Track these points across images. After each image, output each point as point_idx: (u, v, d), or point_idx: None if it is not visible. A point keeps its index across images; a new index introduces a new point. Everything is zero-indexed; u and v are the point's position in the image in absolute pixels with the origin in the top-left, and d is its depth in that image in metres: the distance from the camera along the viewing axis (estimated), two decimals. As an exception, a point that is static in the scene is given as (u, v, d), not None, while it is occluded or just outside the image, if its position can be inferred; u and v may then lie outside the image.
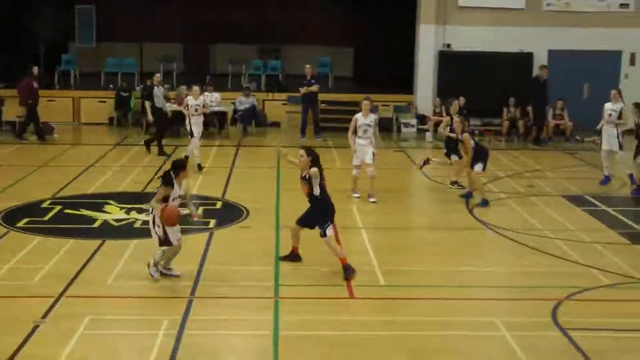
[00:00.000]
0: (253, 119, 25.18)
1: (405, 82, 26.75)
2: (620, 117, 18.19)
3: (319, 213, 11.73)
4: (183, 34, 30.44)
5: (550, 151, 23.18)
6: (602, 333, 9.79)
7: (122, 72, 27.89)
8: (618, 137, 18.17)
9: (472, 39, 25.57)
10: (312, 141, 23.48)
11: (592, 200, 16.83)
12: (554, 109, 24.71)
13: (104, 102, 26.28)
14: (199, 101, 18.96)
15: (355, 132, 15.88)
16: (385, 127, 24.73)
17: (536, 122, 24.44)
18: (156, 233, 11.13)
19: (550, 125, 24.64)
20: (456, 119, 16.51)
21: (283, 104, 26.56)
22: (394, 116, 25.35)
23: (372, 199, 15.87)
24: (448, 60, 25.73)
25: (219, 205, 15.94)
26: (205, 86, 24.35)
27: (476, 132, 24.69)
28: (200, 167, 18.77)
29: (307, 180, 11.70)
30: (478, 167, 15.95)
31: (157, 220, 11.05)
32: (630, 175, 17.73)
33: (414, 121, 25.45)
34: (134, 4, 29.81)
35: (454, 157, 17.45)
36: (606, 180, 18.35)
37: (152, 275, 11.25)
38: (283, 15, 31.82)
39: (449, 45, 25.84)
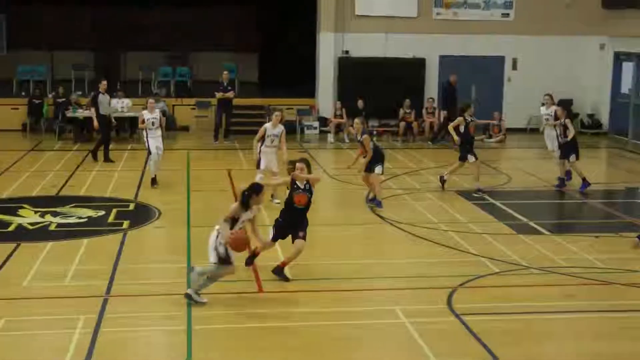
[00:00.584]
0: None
1: (307, 87, 26.80)
2: (556, 118, 18.14)
3: (306, 220, 11.36)
4: (93, 41, 29.87)
5: (442, 149, 23.52)
6: (492, 317, 10.00)
7: (34, 79, 27.16)
8: (558, 138, 18.06)
9: (368, 45, 25.78)
10: (221, 143, 23.37)
11: (481, 194, 17.13)
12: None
13: (17, 109, 25.55)
14: (155, 114, 17.21)
15: (262, 140, 15.53)
16: (289, 129, 24.80)
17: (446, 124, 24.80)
18: (216, 249, 10.21)
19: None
20: (357, 120, 16.09)
21: (192, 109, 26.31)
22: (297, 119, 25.38)
23: (276, 200, 15.44)
24: (347, 65, 25.89)
25: (132, 206, 15.70)
26: (116, 92, 23.99)
27: (374, 132, 25.02)
28: (153, 182, 17.20)
29: (307, 190, 11.29)
30: (378, 169, 15.62)
31: (221, 238, 10.16)
32: (567, 173, 17.93)
33: (316, 123, 25.55)
34: (45, 13, 29.10)
35: (471, 158, 17.21)
36: (568, 178, 18.15)
37: (200, 301, 10.24)
38: (191, 23, 31.59)
39: (347, 52, 26.00)
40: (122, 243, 12.98)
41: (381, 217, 15.00)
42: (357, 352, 9.22)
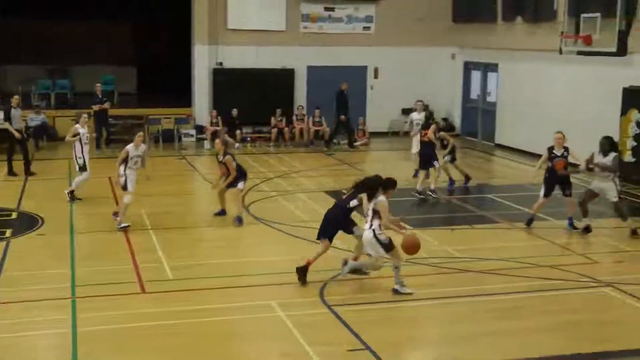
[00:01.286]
0: (44, 134, 24.18)
1: (184, 97, 26.52)
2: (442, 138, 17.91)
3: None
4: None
5: (311, 153, 23.72)
6: (361, 306, 10.16)
7: None
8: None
9: (241, 57, 25.73)
10: (102, 152, 22.84)
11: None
12: (314, 117, 25.31)
13: None
14: (140, 151, 15.55)
15: (125, 162, 14.03)
16: (167, 138, 24.53)
17: (349, 130, 24.97)
18: (378, 242, 10.59)
19: (311, 131, 25.23)
20: (217, 141, 14.70)
21: (72, 120, 25.49)
22: (175, 127, 25.09)
23: (122, 225, 13.86)
24: (221, 76, 25.74)
25: (14, 215, 15.14)
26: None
27: (248, 139, 25.00)
28: (72, 195, 16.21)
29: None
30: (241, 184, 14.62)
31: (378, 230, 10.57)
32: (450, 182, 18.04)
33: (193, 131, 25.31)
34: None
35: (436, 164, 16.94)
36: (450, 184, 18.12)
37: (408, 292, 10.60)
38: (70, 37, 30.76)
39: (221, 63, 25.86)
40: (5, 251, 12.51)
41: (256, 217, 14.99)
42: (239, 345, 9.21)
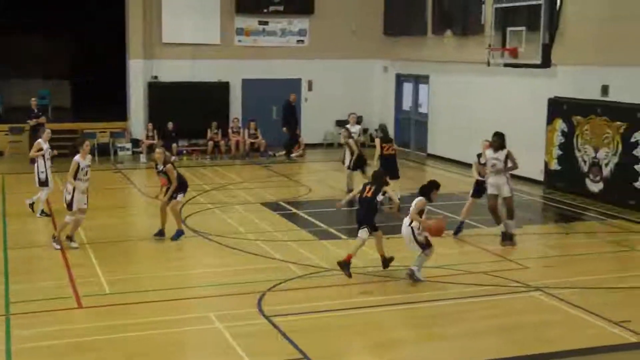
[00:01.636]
0: (-25, 149, 23.61)
1: (120, 110, 26.16)
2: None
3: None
4: None
5: (248, 165, 23.63)
6: (299, 316, 10.13)
7: None
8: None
9: (176, 71, 25.54)
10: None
11: (285, 205, 17.36)
12: (249, 129, 25.23)
13: None
14: (48, 145, 15.87)
15: (75, 175, 13.25)
16: (103, 151, 24.16)
17: (292, 140, 24.85)
18: (416, 240, 11.51)
19: (246, 143, 25.14)
20: (158, 150, 14.22)
21: (5, 135, 25.03)
22: (110, 141, 24.73)
23: (73, 244, 13.38)
24: (156, 90, 25.50)
25: (-54, 232, 14.72)
26: None
27: (184, 152, 24.78)
28: (32, 207, 16.01)
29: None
30: (180, 196, 14.14)
31: (417, 230, 11.50)
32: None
33: (129, 145, 24.98)
34: None
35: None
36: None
37: (420, 279, 11.52)
38: (4, 51, 30.08)
39: (156, 77, 25.62)
40: (-63, 269, 12.13)
41: (194, 230, 14.85)
42: (178, 358, 9.09)
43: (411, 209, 11.70)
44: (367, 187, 12.28)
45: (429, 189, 11.83)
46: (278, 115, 26.15)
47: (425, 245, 11.56)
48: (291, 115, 25.12)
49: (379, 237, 12.13)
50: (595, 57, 17.91)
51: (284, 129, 24.86)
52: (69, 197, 13.30)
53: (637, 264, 13.24)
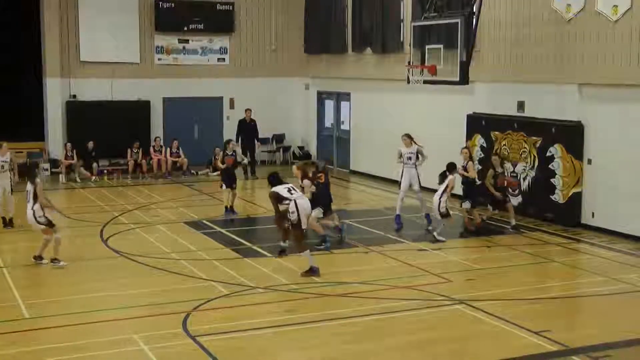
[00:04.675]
0: None
1: (37, 130, 25.54)
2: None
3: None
4: None
5: (170, 184, 23.38)
6: (225, 335, 10.04)
7: None
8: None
9: (95, 89, 25.12)
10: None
11: (208, 223, 17.22)
12: (171, 147, 24.99)
13: None
14: (6, 157, 16.57)
15: None
16: (21, 172, 23.44)
17: (252, 157, 24.56)
18: (439, 210, 15.32)
19: (168, 162, 24.87)
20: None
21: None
22: (27, 161, 24.09)
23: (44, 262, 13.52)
24: (75, 109, 25.02)
25: None
26: None
27: (105, 171, 24.37)
28: (5, 222, 16.25)
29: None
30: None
31: (443, 203, 15.37)
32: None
33: (47, 165, 24.42)
34: None
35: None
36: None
37: (441, 240, 15.13)
38: None
39: (74, 96, 25.15)
40: None
41: (115, 250, 14.59)
42: (99, 382, 8.89)
43: (443, 186, 15.42)
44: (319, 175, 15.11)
45: (452, 168, 15.70)
46: (200, 133, 25.98)
47: (446, 215, 15.30)
48: (249, 132, 24.74)
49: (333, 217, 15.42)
50: (510, 74, 18.42)
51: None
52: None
53: (554, 274, 13.58)
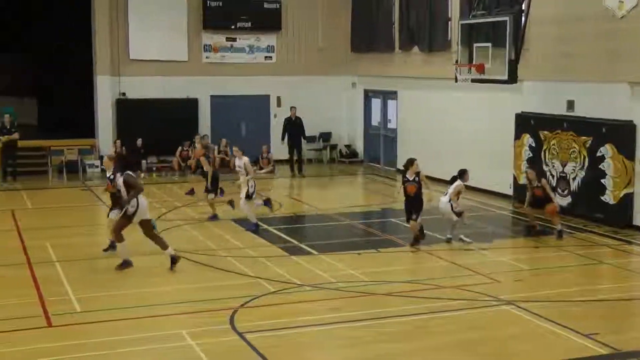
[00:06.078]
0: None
1: (88, 127, 25.98)
2: None
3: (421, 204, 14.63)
4: None
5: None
6: (271, 332, 10.10)
7: None
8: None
9: (144, 87, 25.46)
10: (10, 184, 22.09)
11: (256, 221, 17.28)
12: (219, 146, 25.18)
13: None
14: (241, 162, 16.56)
15: None
16: (71, 169, 23.96)
17: (299, 155, 24.71)
18: (454, 212, 14.84)
19: (217, 159, 25.03)
20: (105, 157, 14.61)
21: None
22: (79, 158, 24.53)
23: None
24: (124, 107, 25.39)
25: None
26: None
27: (154, 168, 24.67)
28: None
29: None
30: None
31: (454, 204, 14.91)
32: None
33: (97, 162, 24.81)
34: None
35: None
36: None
37: (468, 241, 14.87)
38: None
39: (124, 94, 25.51)
40: None
41: (164, 247, 14.74)
42: (147, 377, 9.03)
43: (450, 190, 14.96)
44: None
45: (462, 174, 15.05)
46: (247, 131, 26.21)
47: (461, 213, 14.92)
48: (294, 130, 24.81)
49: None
50: (560, 73, 18.19)
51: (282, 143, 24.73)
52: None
53: (604, 276, 13.42)
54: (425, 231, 14.94)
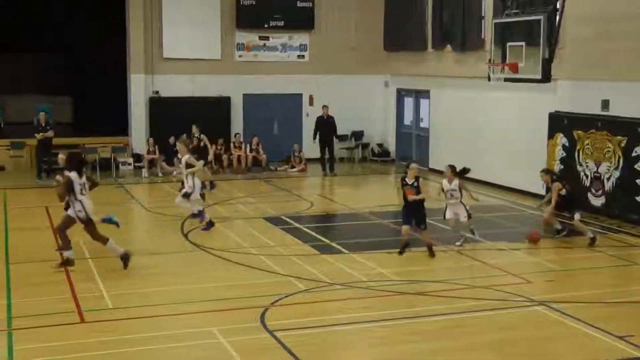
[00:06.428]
0: (-22, 163, 23.75)
1: (121, 125, 26.22)
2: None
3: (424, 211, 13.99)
4: None
5: (249, 180, 23.66)
6: (302, 331, 10.11)
7: None
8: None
9: (177, 86, 25.62)
10: (43, 181, 22.33)
11: (287, 219, 17.36)
12: (251, 144, 25.29)
13: None
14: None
15: None
16: (105, 166, 24.19)
17: (330, 154, 24.68)
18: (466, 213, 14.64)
19: (249, 158, 25.19)
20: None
21: (7, 150, 25.12)
22: (112, 156, 24.76)
23: None
24: (158, 105, 25.58)
25: (-52, 247, 14.71)
26: None
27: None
28: None
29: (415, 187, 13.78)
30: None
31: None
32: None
33: (130, 160, 25.02)
34: None
35: None
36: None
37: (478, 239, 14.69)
38: (1, 67, 30.26)
39: (157, 92, 25.70)
40: (-61, 283, 12.13)
41: (195, 244, 14.86)
42: (178, 373, 9.08)
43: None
44: None
45: (461, 172, 14.83)
46: (279, 129, 26.28)
47: (470, 215, 14.70)
48: (327, 128, 24.73)
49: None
50: (594, 72, 17.98)
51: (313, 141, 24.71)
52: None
53: (638, 277, 13.24)
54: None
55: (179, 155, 16.32)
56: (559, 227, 15.47)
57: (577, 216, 15.17)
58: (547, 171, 15.96)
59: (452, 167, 15.00)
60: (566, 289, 12.12)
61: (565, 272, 13.25)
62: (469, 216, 14.75)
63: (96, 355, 9.28)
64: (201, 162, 15.81)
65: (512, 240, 15.12)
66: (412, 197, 13.88)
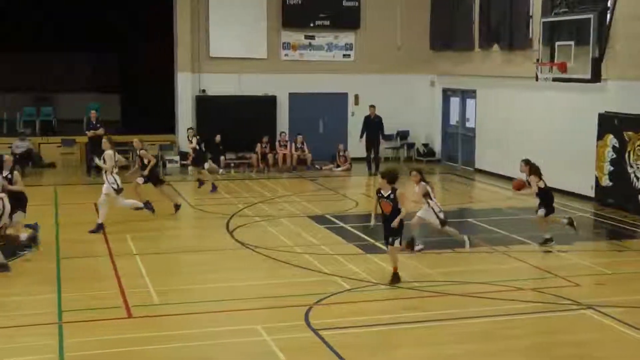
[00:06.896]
0: (30, 161, 24.12)
1: (168, 124, 26.48)
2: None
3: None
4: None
5: (294, 178, 23.72)
6: (346, 330, 10.10)
7: None
8: None
9: (224, 84, 25.77)
10: (93, 178, 22.62)
11: (332, 218, 17.35)
12: (295, 143, 25.35)
13: None
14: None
15: None
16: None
17: (376, 154, 24.67)
18: (439, 218, 14.09)
19: (294, 157, 25.26)
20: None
21: (58, 147, 25.54)
22: (159, 154, 25.00)
23: None
24: (204, 103, 25.77)
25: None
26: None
27: (232, 164, 24.98)
28: None
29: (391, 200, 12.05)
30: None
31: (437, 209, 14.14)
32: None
33: (177, 157, 25.26)
34: None
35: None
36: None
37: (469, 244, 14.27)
38: (54, 65, 30.82)
39: (204, 91, 25.89)
40: (-9, 277, 12.37)
41: (240, 242, 14.94)
42: (223, 370, 9.14)
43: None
44: None
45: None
46: (324, 128, 26.29)
47: (445, 222, 14.11)
48: (373, 128, 24.70)
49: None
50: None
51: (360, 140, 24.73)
52: None
53: (690, 282, 12.98)
54: (472, 238, 14.58)
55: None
56: (547, 236, 14.78)
57: (540, 212, 14.71)
58: (527, 162, 15.30)
59: (527, 162, 14.80)
60: (615, 293, 11.92)
61: (615, 275, 13.03)
62: (443, 223, 14.11)
63: (143, 350, 9.40)
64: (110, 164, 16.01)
65: (560, 242, 14.89)
66: (395, 221, 11.99)
